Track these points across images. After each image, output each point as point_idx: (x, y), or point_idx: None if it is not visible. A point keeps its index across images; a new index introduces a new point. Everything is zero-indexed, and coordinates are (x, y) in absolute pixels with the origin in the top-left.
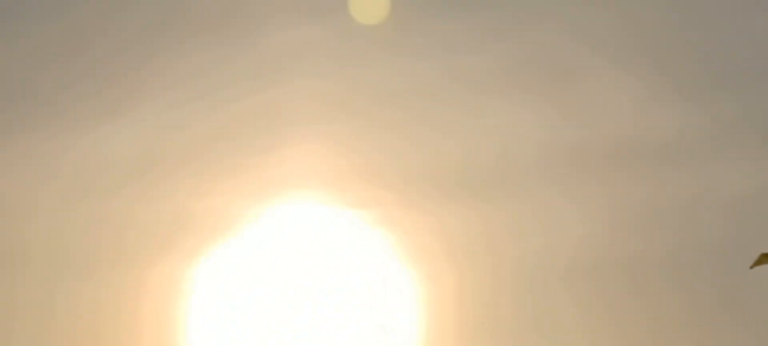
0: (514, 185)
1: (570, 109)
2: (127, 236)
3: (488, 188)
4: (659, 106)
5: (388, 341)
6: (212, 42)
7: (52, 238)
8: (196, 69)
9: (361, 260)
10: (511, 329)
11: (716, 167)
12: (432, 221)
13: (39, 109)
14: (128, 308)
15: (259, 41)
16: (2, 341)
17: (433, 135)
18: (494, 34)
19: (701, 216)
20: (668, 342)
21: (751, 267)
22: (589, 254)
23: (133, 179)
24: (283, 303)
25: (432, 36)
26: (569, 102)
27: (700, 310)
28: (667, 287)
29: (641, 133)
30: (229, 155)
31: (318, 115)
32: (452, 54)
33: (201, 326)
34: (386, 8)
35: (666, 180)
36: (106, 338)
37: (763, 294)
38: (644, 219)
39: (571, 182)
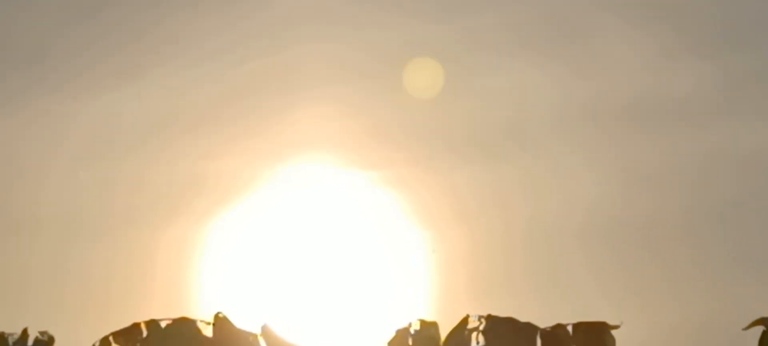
0: (526, 145)
1: (582, 67)
2: (140, 198)
3: (500, 147)
4: (672, 64)
5: (399, 302)
6: (224, 4)
7: (65, 200)
8: (209, 31)
9: (372, 220)
10: (524, 288)
11: (730, 124)
12: (443, 181)
13: (52, 73)
14: (140, 269)
15: (271, 3)
16: (16, 302)
17: (444, 95)
18: None
19: (715, 173)
20: (682, 299)
21: (745, 329)
22: (602, 213)
23: (146, 141)
24: (294, 264)
25: None
26: (581, 60)
27: (713, 267)
28: (681, 245)
29: (654, 90)
30: (241, 118)
31: (329, 78)
32: (463, 14)
33: (213, 288)
34: None
35: (679, 138)
36: (119, 299)
37: None
38: (657, 177)
39: (584, 141)
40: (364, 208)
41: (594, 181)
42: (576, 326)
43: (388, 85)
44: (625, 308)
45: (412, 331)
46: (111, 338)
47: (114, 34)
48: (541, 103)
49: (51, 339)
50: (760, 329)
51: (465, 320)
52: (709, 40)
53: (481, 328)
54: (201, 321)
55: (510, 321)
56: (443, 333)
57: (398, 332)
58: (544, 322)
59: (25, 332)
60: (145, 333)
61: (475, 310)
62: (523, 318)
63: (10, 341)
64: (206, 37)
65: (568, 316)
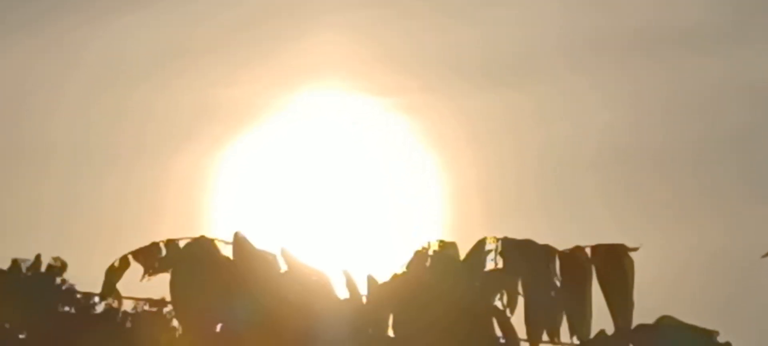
0: (537, 72)
1: None
2: (151, 126)
3: (511, 74)
4: None
5: (413, 225)
6: None
7: (76, 128)
8: None
9: (384, 145)
10: (536, 212)
11: (742, 52)
12: (455, 107)
13: (59, 1)
14: (153, 196)
15: None
16: (29, 229)
17: (455, 22)
18: None
19: (727, 101)
20: (695, 226)
21: (764, 256)
22: (614, 140)
23: (156, 69)
24: (307, 190)
25: None
26: None
27: (727, 194)
28: (693, 171)
29: (664, 17)
30: (252, 45)
31: (340, 4)
32: None
33: (226, 214)
34: None
35: (691, 66)
36: (131, 226)
37: None
38: (669, 104)
39: (595, 69)
40: (376, 133)
41: (605, 108)
42: (594, 248)
43: (398, 11)
44: (639, 234)
45: (430, 252)
46: (130, 257)
47: None
48: (551, 31)
49: (64, 265)
50: None
51: (482, 242)
52: None
53: (498, 249)
54: (220, 241)
55: (528, 243)
56: (462, 254)
57: (416, 252)
58: (557, 245)
59: (38, 258)
60: (163, 252)
61: (489, 233)
62: (537, 241)
63: (23, 267)
64: None
65: (581, 240)
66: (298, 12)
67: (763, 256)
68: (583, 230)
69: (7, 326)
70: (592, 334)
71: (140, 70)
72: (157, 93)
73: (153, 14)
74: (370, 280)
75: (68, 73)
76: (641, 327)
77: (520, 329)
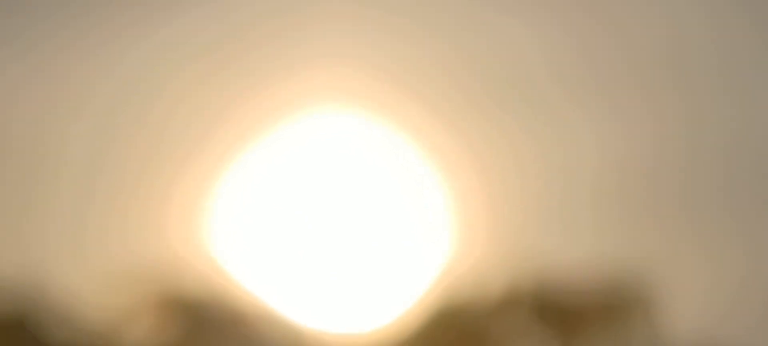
0: (540, 99)
1: (599, 20)
2: (155, 147)
3: (519, 99)
4: (696, 16)
5: (416, 252)
6: None
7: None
8: None
9: (387, 171)
10: (542, 235)
11: (756, 82)
12: (457, 132)
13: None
14: (155, 215)
15: None
16: (41, 226)
17: (458, 49)
18: None
19: (738, 134)
20: (716, 257)
21: None
22: (614, 171)
23: (159, 93)
24: (311, 217)
25: None
26: (597, 13)
27: (749, 226)
28: (711, 198)
29: (675, 43)
30: (255, 71)
31: (343, 32)
32: None
33: (227, 237)
34: None
35: (706, 97)
36: (131, 242)
37: None
38: (689, 138)
39: (591, 96)
40: (378, 159)
41: (611, 137)
42: None
43: (403, 38)
44: (642, 251)
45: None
46: None
47: None
48: (559, 57)
49: None
50: None
51: None
52: None
53: None
54: None
55: None
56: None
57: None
58: (562, 271)
59: None
60: None
61: (494, 252)
62: (542, 265)
63: None
64: None
65: (587, 265)
66: (302, 37)
67: None
68: (589, 250)
69: None
70: None
71: (140, 99)
72: (160, 116)
73: (156, 42)
74: None
75: (80, 100)
76: None
77: None
